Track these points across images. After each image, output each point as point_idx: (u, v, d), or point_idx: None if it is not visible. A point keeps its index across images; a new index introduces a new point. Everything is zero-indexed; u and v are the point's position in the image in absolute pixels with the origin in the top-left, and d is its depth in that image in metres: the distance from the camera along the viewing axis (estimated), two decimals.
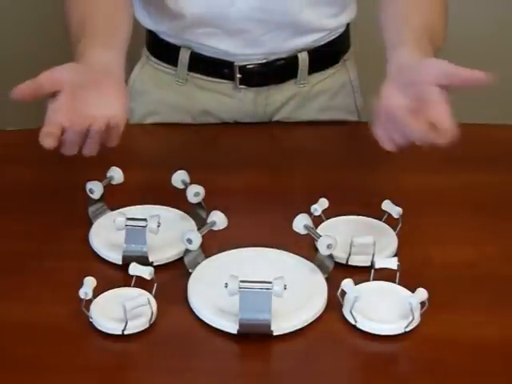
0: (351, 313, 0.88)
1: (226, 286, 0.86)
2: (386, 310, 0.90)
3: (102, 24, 1.06)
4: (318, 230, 0.99)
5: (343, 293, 0.89)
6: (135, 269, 0.90)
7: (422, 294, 0.88)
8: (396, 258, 0.93)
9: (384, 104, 0.95)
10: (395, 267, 0.92)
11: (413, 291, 0.89)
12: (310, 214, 1.00)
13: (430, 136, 0.91)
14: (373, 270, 0.94)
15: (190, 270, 0.96)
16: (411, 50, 0.98)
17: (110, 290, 0.91)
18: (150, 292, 0.90)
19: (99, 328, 0.88)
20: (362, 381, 0.85)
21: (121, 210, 1.04)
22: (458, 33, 2.01)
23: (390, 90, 0.96)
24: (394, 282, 0.93)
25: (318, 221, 1.02)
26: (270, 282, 0.86)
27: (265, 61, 1.28)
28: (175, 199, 1.06)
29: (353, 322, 0.88)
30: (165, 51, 1.32)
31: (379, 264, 0.93)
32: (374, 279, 0.94)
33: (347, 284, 0.89)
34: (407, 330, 0.87)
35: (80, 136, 0.94)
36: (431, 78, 0.93)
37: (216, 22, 1.23)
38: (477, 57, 2.04)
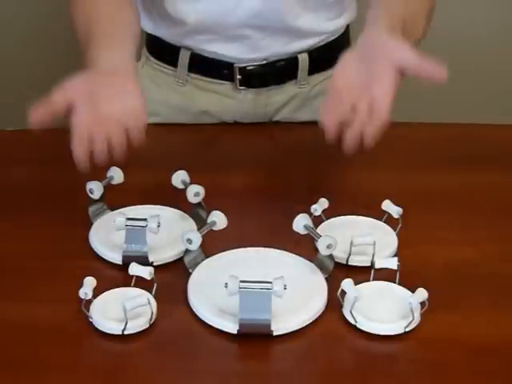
0: (351, 313, 0.88)
1: (226, 286, 0.86)
2: (385, 310, 0.90)
3: (108, 25, 1.07)
4: (318, 230, 0.99)
5: (343, 293, 0.89)
6: (135, 269, 0.90)
7: (421, 294, 0.88)
8: (396, 258, 0.93)
9: (334, 83, 0.97)
10: (395, 267, 0.92)
11: (413, 291, 0.89)
12: (310, 214, 1.00)
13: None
14: (373, 270, 0.94)
15: (190, 270, 0.96)
16: (382, 30, 0.98)
17: (109, 290, 0.91)
18: (150, 292, 0.90)
19: (99, 328, 0.88)
20: (362, 381, 0.85)
21: (121, 209, 1.04)
22: (459, 33, 2.02)
23: (348, 59, 0.98)
24: (394, 282, 0.93)
25: (317, 221, 1.02)
26: (269, 282, 0.86)
27: (265, 62, 1.28)
28: (175, 199, 1.06)
29: (353, 322, 0.88)
30: (165, 52, 1.32)
31: (379, 264, 0.93)
32: (373, 279, 0.94)
33: (347, 284, 0.89)
34: (407, 330, 0.87)
35: (106, 142, 0.95)
36: (393, 58, 0.94)
37: (215, 28, 1.23)
38: (477, 57, 2.05)
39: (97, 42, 1.04)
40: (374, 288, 0.93)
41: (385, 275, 0.93)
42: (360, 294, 0.88)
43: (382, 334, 0.88)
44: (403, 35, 0.99)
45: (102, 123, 0.95)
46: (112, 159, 0.97)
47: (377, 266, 0.93)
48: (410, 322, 0.87)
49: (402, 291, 0.92)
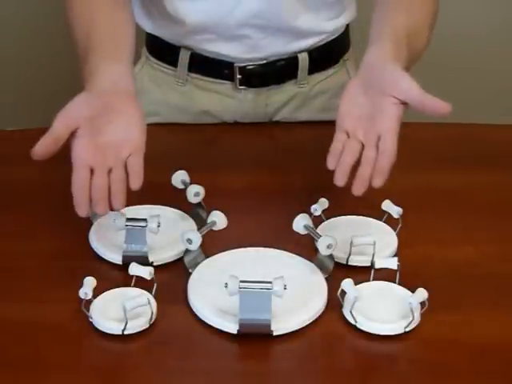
0: (351, 313, 0.88)
1: (226, 286, 0.86)
2: (385, 310, 0.90)
3: (106, 31, 1.06)
4: (318, 230, 0.99)
5: (343, 293, 0.89)
6: (135, 269, 0.90)
7: (421, 294, 0.88)
8: (396, 258, 0.93)
9: (340, 123, 0.98)
10: (395, 267, 0.92)
11: (413, 291, 0.89)
12: (310, 214, 1.00)
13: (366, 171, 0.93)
14: (373, 270, 0.94)
15: (190, 270, 0.96)
16: (387, 53, 0.98)
17: (110, 290, 0.92)
18: (150, 292, 0.90)
19: (99, 328, 0.88)
20: (362, 381, 0.85)
21: (121, 209, 1.04)
22: (459, 32, 2.02)
23: (353, 90, 0.99)
24: (394, 282, 0.93)
25: (317, 221, 1.02)
26: (269, 282, 0.86)
27: (265, 62, 1.28)
28: (175, 199, 1.06)
29: (353, 322, 0.88)
30: (165, 52, 1.32)
31: (379, 264, 0.93)
32: (373, 279, 0.94)
33: (347, 284, 0.89)
34: (407, 330, 0.87)
35: (107, 178, 0.94)
36: (397, 93, 0.94)
37: (215, 28, 1.23)
38: (477, 56, 2.05)
39: (95, 52, 1.03)
40: (373, 288, 0.93)
41: (385, 275, 0.93)
42: (360, 294, 0.88)
43: (382, 334, 0.88)
44: (407, 50, 1.00)
45: (103, 154, 0.94)
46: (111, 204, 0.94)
47: (377, 266, 0.93)
48: (410, 321, 0.87)
49: (402, 291, 0.92)
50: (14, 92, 2.05)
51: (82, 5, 1.11)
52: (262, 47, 1.26)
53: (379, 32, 1.02)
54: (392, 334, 0.87)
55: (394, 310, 0.90)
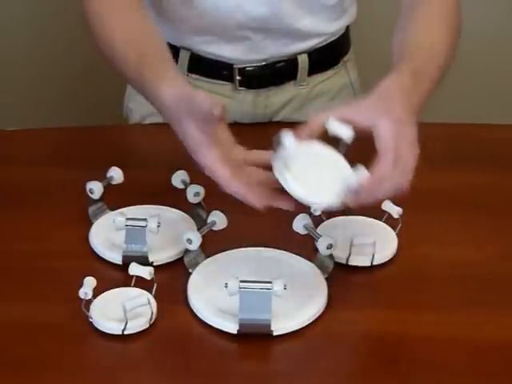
0: (282, 171, 0.84)
1: (226, 286, 0.86)
2: (323, 180, 0.86)
3: (152, 45, 1.04)
4: (318, 230, 0.99)
5: (278, 142, 0.85)
6: (135, 269, 0.90)
7: (362, 173, 0.84)
8: (349, 127, 0.88)
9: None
10: (349, 137, 0.88)
11: (413, 291, 0.89)
12: (310, 214, 1.00)
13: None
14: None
15: (190, 270, 0.96)
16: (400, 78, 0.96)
17: (110, 290, 0.92)
18: (150, 292, 0.90)
19: (99, 328, 0.88)
20: (362, 381, 0.85)
21: (121, 209, 1.04)
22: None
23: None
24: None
25: (317, 221, 1.02)
26: (270, 282, 0.86)
27: (264, 63, 1.28)
28: (175, 199, 1.06)
29: (282, 183, 0.84)
30: None
31: (333, 127, 0.87)
32: (373, 279, 0.93)
33: (286, 136, 0.84)
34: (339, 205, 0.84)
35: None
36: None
37: (215, 31, 1.23)
38: (477, 56, 2.05)
39: (152, 68, 0.99)
40: (316, 153, 0.88)
41: (385, 273, 0.94)
42: (299, 153, 0.84)
43: (312, 203, 0.84)
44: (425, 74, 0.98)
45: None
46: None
47: (330, 128, 0.88)
48: (342, 201, 0.84)
49: (345, 166, 0.87)
50: (14, 92, 2.06)
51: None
52: (262, 49, 1.26)
53: (398, 58, 1.00)
54: (320, 205, 0.83)
55: (331, 183, 0.85)
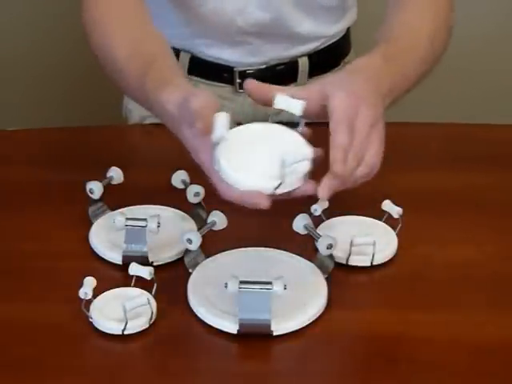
0: (218, 157, 0.82)
1: (226, 286, 0.86)
2: (264, 163, 0.84)
3: (158, 49, 1.03)
4: (318, 230, 0.99)
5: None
6: (135, 269, 0.90)
7: (304, 153, 0.82)
8: (300, 101, 0.85)
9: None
10: (299, 109, 0.85)
11: (413, 291, 0.89)
12: (310, 214, 1.00)
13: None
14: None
15: (190, 270, 0.96)
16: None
17: (110, 290, 0.91)
18: (150, 292, 0.90)
19: (99, 328, 0.88)
20: (362, 381, 0.85)
21: (121, 210, 1.04)
22: (459, 33, 2.01)
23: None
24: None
25: (317, 221, 1.02)
26: (270, 282, 0.86)
27: (264, 66, 1.28)
28: (175, 199, 1.06)
29: (217, 169, 0.83)
30: None
31: (281, 101, 0.85)
32: (373, 278, 0.93)
33: (218, 118, 0.80)
34: (277, 191, 0.82)
35: None
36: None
37: (216, 35, 1.23)
38: (476, 56, 2.06)
39: (157, 73, 0.98)
40: (256, 132, 0.85)
41: (385, 273, 0.93)
42: (235, 136, 0.82)
43: (248, 187, 0.82)
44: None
45: None
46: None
47: (277, 104, 0.85)
48: (279, 184, 0.82)
49: (297, 144, 0.85)
50: (14, 92, 2.06)
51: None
52: (263, 52, 1.26)
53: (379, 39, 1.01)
54: (256, 189, 0.81)
55: (267, 165, 0.83)
